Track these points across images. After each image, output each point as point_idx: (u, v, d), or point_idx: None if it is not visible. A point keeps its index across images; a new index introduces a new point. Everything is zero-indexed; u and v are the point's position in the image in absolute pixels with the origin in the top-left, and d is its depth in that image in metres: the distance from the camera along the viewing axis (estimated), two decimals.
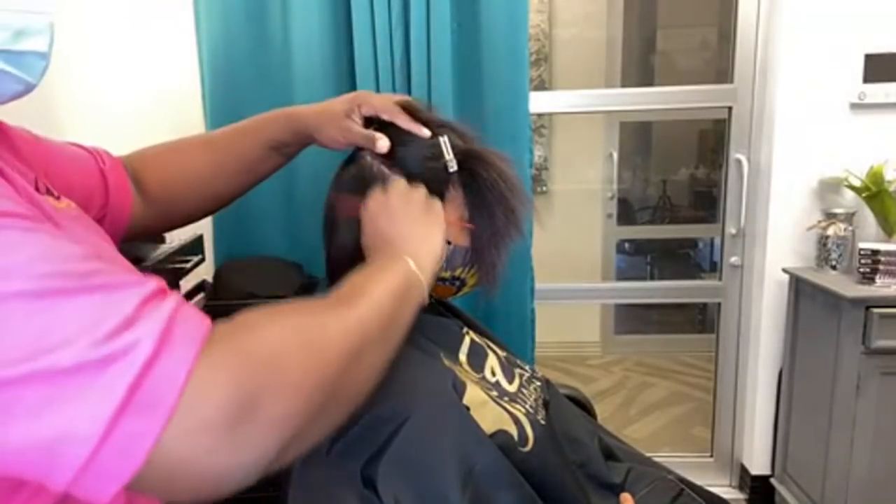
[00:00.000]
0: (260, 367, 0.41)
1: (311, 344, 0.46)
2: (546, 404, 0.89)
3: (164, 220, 0.89)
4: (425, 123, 0.81)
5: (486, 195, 0.79)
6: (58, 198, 0.63)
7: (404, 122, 0.81)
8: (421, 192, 0.77)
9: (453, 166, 0.79)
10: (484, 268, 0.83)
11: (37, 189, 0.60)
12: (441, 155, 0.79)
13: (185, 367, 0.37)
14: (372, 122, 0.84)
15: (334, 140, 0.84)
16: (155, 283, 0.42)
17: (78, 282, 0.39)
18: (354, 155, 0.85)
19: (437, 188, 0.79)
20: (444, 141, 0.79)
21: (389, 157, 0.80)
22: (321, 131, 0.85)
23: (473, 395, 0.75)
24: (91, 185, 0.75)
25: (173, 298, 0.41)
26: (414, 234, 0.72)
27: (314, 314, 0.50)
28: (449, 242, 0.80)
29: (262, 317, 0.46)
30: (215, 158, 0.88)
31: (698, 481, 0.95)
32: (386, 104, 0.83)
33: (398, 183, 0.77)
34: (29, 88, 0.54)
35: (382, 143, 0.79)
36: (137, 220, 0.83)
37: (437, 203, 0.77)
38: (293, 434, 0.42)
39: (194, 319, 0.41)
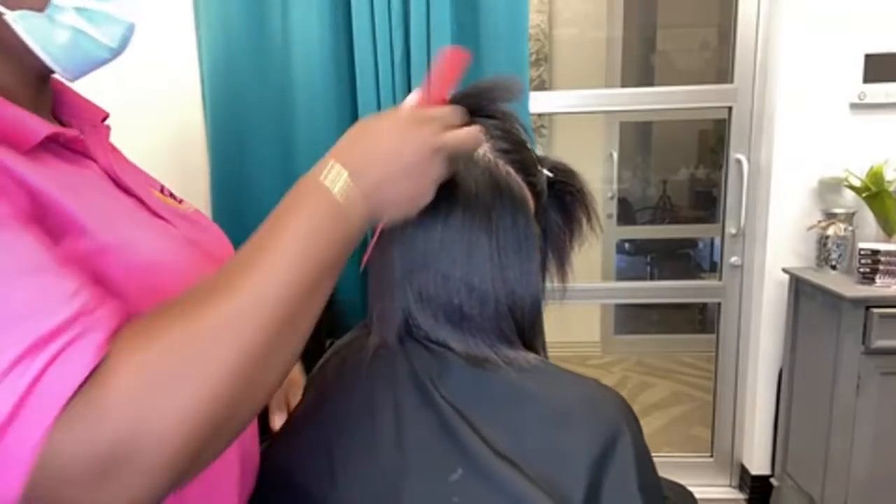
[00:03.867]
0: (122, 423, 0.38)
1: (186, 370, 0.40)
2: None
3: None
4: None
5: (577, 211, 0.72)
6: (180, 202, 0.69)
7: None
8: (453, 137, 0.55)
9: (547, 174, 0.70)
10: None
11: (162, 192, 0.67)
12: (535, 161, 0.70)
13: (40, 428, 0.36)
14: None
15: None
16: (58, 319, 0.39)
17: None
18: None
19: (538, 195, 0.69)
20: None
21: None
22: None
23: None
24: None
25: (53, 348, 0.38)
26: (392, 165, 0.52)
27: (189, 323, 0.41)
28: None
29: (126, 349, 0.40)
30: None
31: (698, 481, 0.95)
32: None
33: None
34: (112, 54, 0.57)
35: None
36: None
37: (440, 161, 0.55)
38: (178, 472, 0.40)
39: (68, 370, 0.38)
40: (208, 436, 0.40)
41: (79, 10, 0.54)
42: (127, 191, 0.60)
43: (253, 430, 0.69)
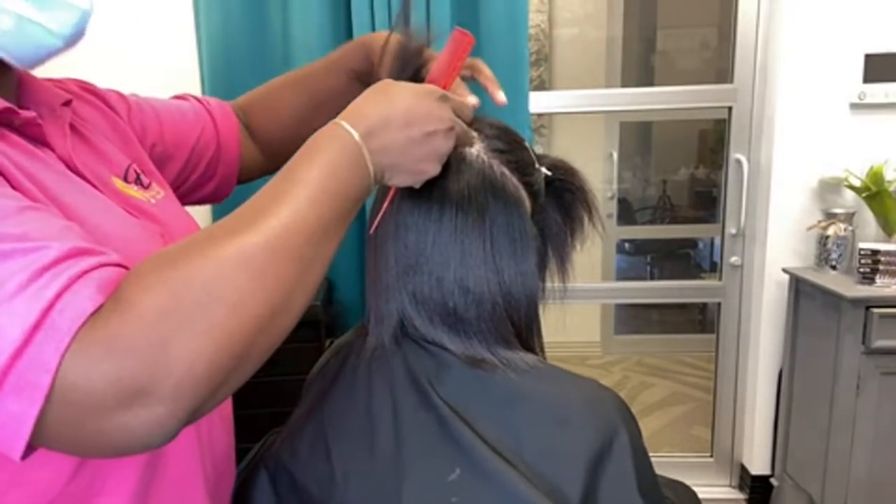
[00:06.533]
0: (146, 352, 0.38)
1: (210, 300, 0.40)
2: None
3: (276, 166, 0.88)
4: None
5: (577, 209, 0.71)
6: (147, 186, 0.66)
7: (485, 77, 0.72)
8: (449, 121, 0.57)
9: (545, 172, 0.68)
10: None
11: (126, 179, 0.63)
12: (532, 160, 0.68)
13: (56, 355, 0.36)
14: None
15: None
16: (56, 250, 0.39)
17: None
18: None
19: (535, 195, 0.68)
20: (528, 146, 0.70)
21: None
22: None
23: None
24: (207, 138, 0.80)
25: (67, 272, 0.39)
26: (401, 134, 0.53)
27: (213, 254, 0.41)
28: None
29: (147, 279, 0.40)
30: (310, 96, 0.86)
31: (698, 481, 0.95)
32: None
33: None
34: (65, 42, 0.53)
35: (473, 99, 0.64)
36: (253, 167, 0.87)
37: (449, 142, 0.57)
38: (202, 398, 0.40)
39: (78, 300, 0.38)
40: (230, 368, 0.41)
41: None
42: (84, 179, 0.58)
43: (226, 450, 0.68)
